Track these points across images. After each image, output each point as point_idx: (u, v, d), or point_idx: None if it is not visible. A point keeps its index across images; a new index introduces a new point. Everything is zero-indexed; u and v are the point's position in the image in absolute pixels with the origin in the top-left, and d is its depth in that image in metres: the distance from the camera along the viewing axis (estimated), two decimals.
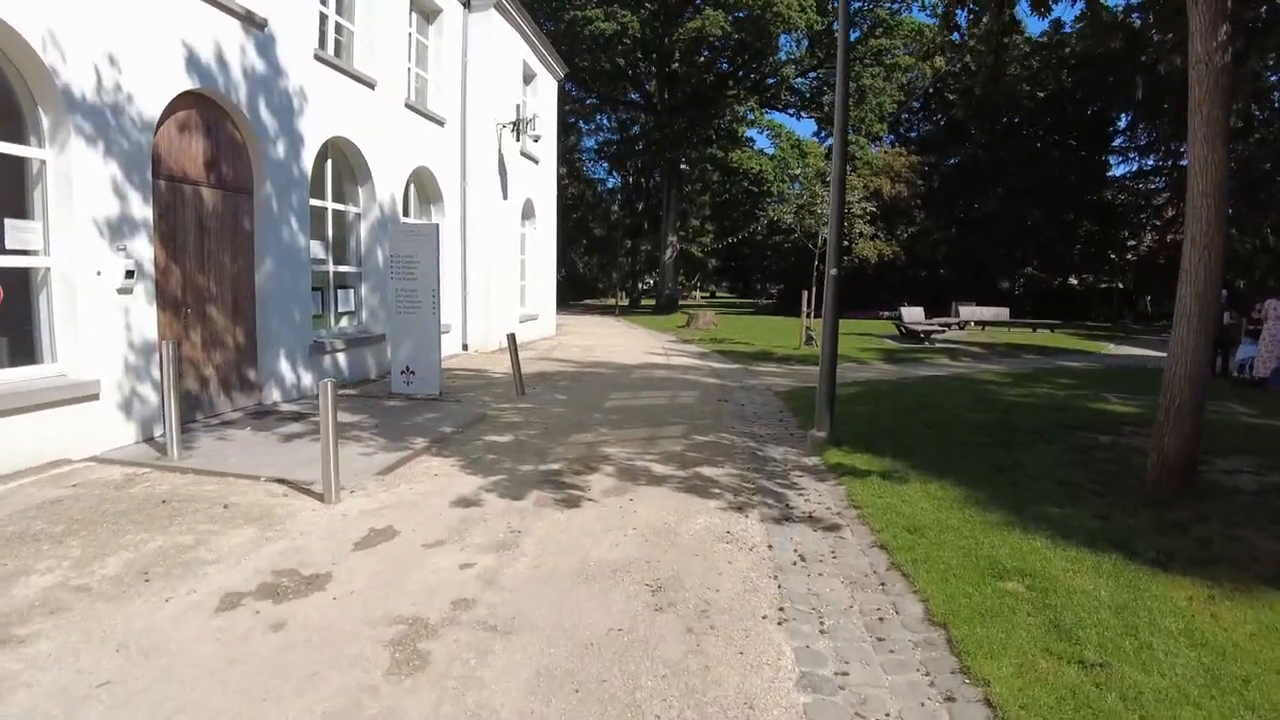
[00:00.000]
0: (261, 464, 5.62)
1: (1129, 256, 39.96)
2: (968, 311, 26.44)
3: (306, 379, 8.94)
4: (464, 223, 13.05)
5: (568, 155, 44.75)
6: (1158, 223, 41.03)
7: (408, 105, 11.24)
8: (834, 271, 6.39)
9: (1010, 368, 14.18)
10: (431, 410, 8.06)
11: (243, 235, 8.08)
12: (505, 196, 13.96)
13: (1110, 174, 39.81)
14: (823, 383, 6.54)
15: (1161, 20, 30.49)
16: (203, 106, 7.39)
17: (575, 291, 51.13)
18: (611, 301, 40.95)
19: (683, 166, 36.71)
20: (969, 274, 35.01)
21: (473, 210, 13.12)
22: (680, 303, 39.48)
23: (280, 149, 8.37)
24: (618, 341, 16.87)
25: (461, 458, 6.00)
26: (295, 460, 5.81)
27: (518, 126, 13.30)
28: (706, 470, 5.72)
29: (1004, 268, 34.32)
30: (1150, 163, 39.93)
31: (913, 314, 22.36)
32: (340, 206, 10.07)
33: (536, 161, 15.80)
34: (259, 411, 7.94)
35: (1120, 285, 40.54)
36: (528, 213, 15.79)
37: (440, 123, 12.30)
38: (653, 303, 38.94)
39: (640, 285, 49.22)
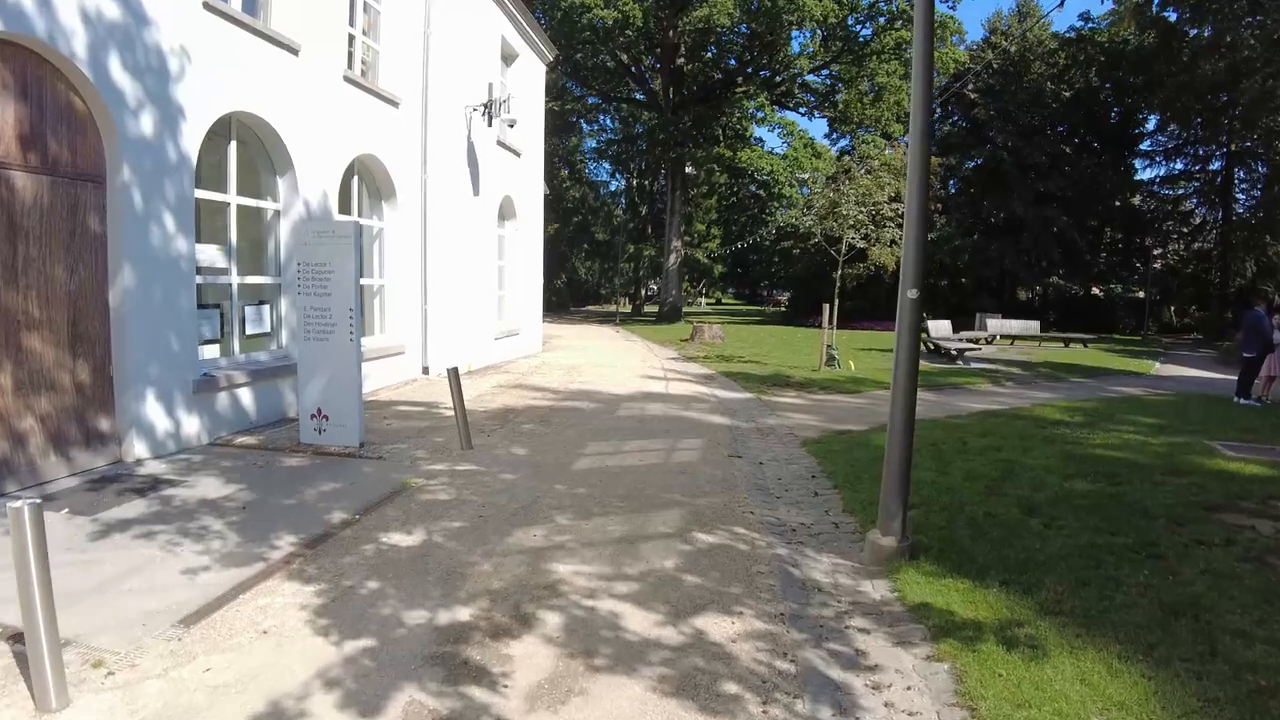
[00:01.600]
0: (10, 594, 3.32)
1: (1154, 265, 37.46)
2: (995, 324, 24.07)
3: (191, 425, 6.72)
4: (424, 222, 10.82)
5: (569, 157, 42.66)
6: (1185, 230, 38.67)
7: (348, 79, 9.02)
8: (914, 294, 4.12)
9: (1067, 397, 11.87)
10: (336, 475, 5.81)
11: (88, 238, 5.86)
12: (477, 192, 11.75)
13: (1136, 178, 37.46)
14: (892, 462, 4.26)
15: (1199, 13, 28.11)
16: (12, 59, 5.19)
17: (577, 298, 48.95)
18: (614, 309, 38.70)
19: (688, 170, 34.53)
20: (990, 283, 32.62)
21: (435, 208, 10.90)
22: (684, 310, 37.21)
23: (147, 124, 6.15)
24: (611, 360, 14.60)
25: (328, 586, 3.74)
26: (87, 583, 3.59)
27: (489, 109, 11.07)
28: (713, 625, 3.43)
29: (1029, 276, 31.90)
30: (1179, 166, 37.61)
31: (940, 327, 20.03)
32: (250, 201, 7.85)
33: (518, 154, 13.57)
34: (107, 477, 5.71)
35: (1141, 295, 38.09)
36: (506, 212, 13.56)
37: (393, 103, 10.08)
38: (656, 310, 36.67)
39: (644, 292, 46.98)
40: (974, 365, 16.34)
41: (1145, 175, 38.10)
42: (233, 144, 7.50)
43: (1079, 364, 17.56)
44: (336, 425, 6.78)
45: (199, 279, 7.14)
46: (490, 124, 11.28)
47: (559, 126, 37.13)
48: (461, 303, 11.55)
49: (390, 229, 10.39)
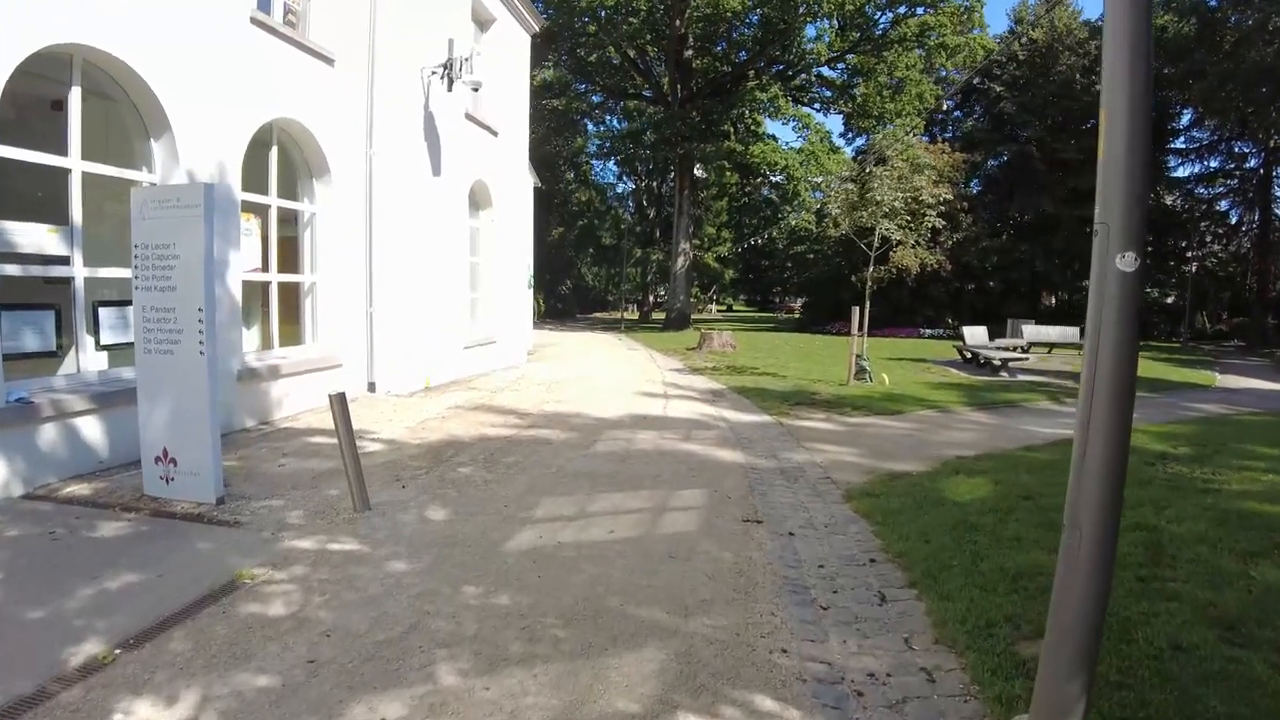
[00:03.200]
0: None
1: (1187, 268, 34.97)
2: (1031, 332, 21.74)
3: None
4: (370, 207, 8.80)
5: (574, 159, 40.73)
6: (1220, 230, 36.15)
7: (258, 22, 7.02)
8: (1131, 261, 2.00)
9: (1147, 419, 9.64)
10: (153, 556, 3.76)
11: None
12: (438, 173, 9.70)
13: (1170, 176, 35.02)
14: (1071, 597, 2.11)
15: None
16: None
17: (583, 305, 46.96)
18: (623, 316, 36.61)
19: (698, 173, 32.48)
20: (1019, 287, 30.28)
21: (385, 189, 8.87)
22: (693, 318, 35.08)
23: None
24: (604, 372, 12.47)
25: None
26: None
27: (448, 70, 9.03)
28: None
29: (1062, 280, 29.50)
30: (1215, 163, 35.13)
31: (975, 335, 17.81)
32: (107, 170, 5.83)
33: (494, 133, 11.52)
34: None
35: (1170, 300, 35.56)
36: (480, 200, 11.51)
37: (326, 59, 8.06)
38: (663, 318, 34.55)
39: (651, 298, 44.88)
40: (1020, 378, 14.11)
41: (1179, 174, 35.58)
42: (75, 91, 5.49)
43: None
44: (187, 474, 4.72)
45: (9, 269, 5.14)
46: (450, 88, 9.24)
47: (563, 125, 35.21)
48: (420, 305, 9.50)
49: (324, 214, 8.37)
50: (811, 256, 36.12)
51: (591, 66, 31.67)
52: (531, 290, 15.93)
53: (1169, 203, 35.13)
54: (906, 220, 11.60)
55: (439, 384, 9.80)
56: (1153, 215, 33.68)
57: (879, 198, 11.12)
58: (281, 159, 7.95)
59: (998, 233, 29.30)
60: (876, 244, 11.64)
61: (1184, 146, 35.07)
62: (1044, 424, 8.89)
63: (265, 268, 7.74)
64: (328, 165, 8.24)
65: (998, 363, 14.50)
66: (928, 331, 27.29)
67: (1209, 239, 36.03)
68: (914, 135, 28.58)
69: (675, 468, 5.74)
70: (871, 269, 11.82)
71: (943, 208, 11.50)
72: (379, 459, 5.86)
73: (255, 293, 7.96)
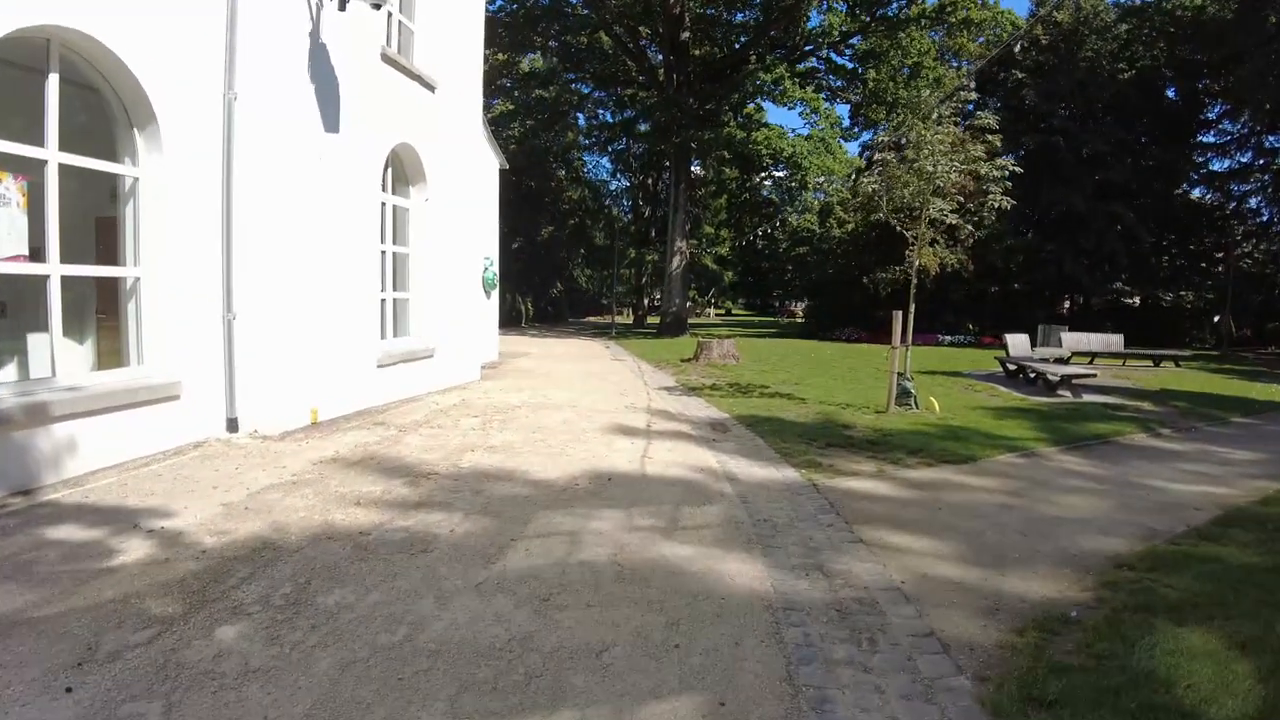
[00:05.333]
0: None
1: (1219, 269, 32.27)
2: (1070, 340, 19.03)
3: None
4: (228, 172, 6.10)
5: (565, 154, 38.09)
6: (1252, 229, 33.50)
7: None
8: None
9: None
10: None
11: None
12: (335, 128, 6.99)
13: (1202, 171, 32.41)
14: None
15: None
16: None
17: (576, 309, 44.30)
18: (613, 320, 33.88)
19: (695, 170, 29.83)
20: (1044, 289, 27.60)
21: (249, 149, 6.17)
22: (691, 322, 32.38)
23: None
24: (572, 396, 9.72)
25: None
26: None
27: None
28: None
29: (1091, 282, 26.75)
30: (1246, 158, 32.49)
31: (1019, 345, 15.13)
32: None
33: (431, 87, 8.80)
34: None
35: (1190, 301, 32.88)
36: (408, 171, 8.77)
37: None
38: (658, 322, 31.82)
39: (647, 301, 42.21)
40: (1085, 398, 11.42)
41: (1209, 169, 32.91)
42: None
43: (1206, 391, 12.61)
44: None
45: None
46: (343, 6, 6.57)
47: (553, 118, 32.57)
48: (305, 310, 6.80)
49: (152, 181, 5.68)
50: (814, 259, 33.43)
51: (582, 53, 29.05)
52: (495, 290, 13.26)
53: (1201, 199, 32.57)
54: (960, 201, 8.91)
55: (334, 416, 7.09)
56: (1180, 210, 31.07)
57: (929, 168, 8.43)
58: (76, 102, 5.28)
59: (1024, 230, 26.61)
60: (924, 227, 8.92)
61: (1214, 141, 32.50)
62: (1175, 476, 6.20)
63: (41, 255, 5.06)
64: (153, 111, 5.54)
65: (1053, 379, 11.78)
66: (947, 339, 24.60)
67: (1238, 237, 33.43)
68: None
69: (640, 624, 3.01)
70: (917, 261, 9.11)
71: (1008, 183, 8.78)
72: (110, 587, 3.16)
73: (29, 293, 5.30)
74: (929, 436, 7.36)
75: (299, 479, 4.97)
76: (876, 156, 9.72)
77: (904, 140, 9.05)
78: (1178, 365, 18.73)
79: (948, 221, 8.79)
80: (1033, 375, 12.99)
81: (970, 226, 8.83)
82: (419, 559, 3.59)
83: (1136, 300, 31.88)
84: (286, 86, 6.51)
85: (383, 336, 8.29)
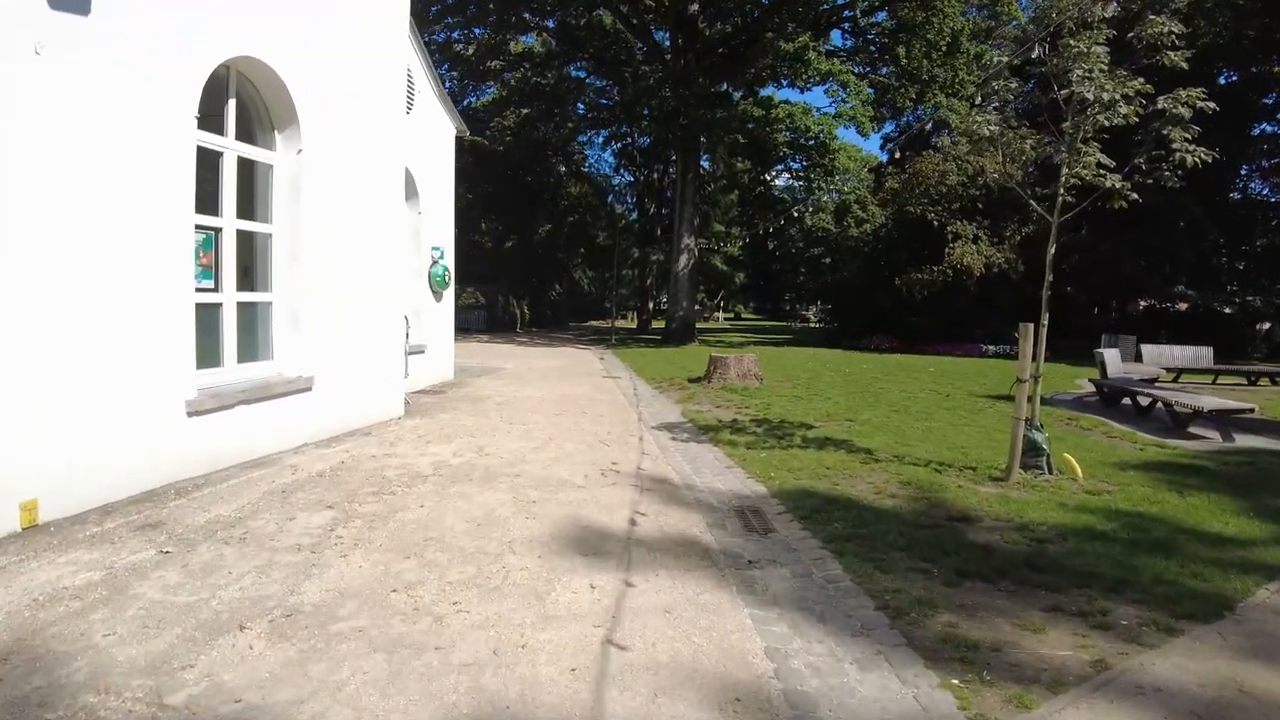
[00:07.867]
0: None
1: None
2: (1153, 353, 15.74)
3: None
4: None
5: (564, 146, 35.03)
6: None
7: None
8: None
9: None
10: None
11: None
12: (85, 9, 3.90)
13: (1259, 164, 28.99)
14: None
15: None
16: None
17: (576, 312, 41.13)
18: (619, 324, 30.68)
19: (704, 165, 26.69)
20: (1100, 292, 24.27)
21: None
22: (699, 327, 29.15)
23: None
24: (527, 447, 6.51)
25: None
26: None
27: None
28: None
29: (1152, 285, 23.38)
30: None
31: (1115, 361, 11.91)
32: None
33: None
34: None
35: (1230, 308, 29.40)
36: (272, 109, 5.61)
37: None
38: (662, 327, 28.58)
39: (652, 304, 39.03)
40: (1238, 441, 8.17)
41: (1270, 160, 29.46)
42: None
43: None
44: None
45: None
46: None
47: (551, 107, 29.50)
48: (18, 322, 3.68)
49: None
50: (828, 261, 30.19)
51: (581, 33, 25.96)
52: (450, 290, 10.11)
53: (1264, 197, 29.15)
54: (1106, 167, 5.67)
55: (81, 509, 3.96)
56: (1233, 207, 27.66)
57: (1087, 94, 5.22)
58: None
59: (1074, 226, 23.31)
60: (1064, 191, 5.69)
61: (1275, 131, 29.01)
62: None
63: None
64: None
65: (1183, 410, 8.48)
66: (991, 348, 21.28)
67: None
68: (974, 103, 22.65)
69: None
70: (1053, 246, 5.88)
71: (1195, 130, 5.51)
72: None
73: None
74: (1108, 539, 4.14)
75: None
76: (998, 84, 6.47)
77: (1041, 52, 5.79)
78: (1274, 382, 15.43)
79: (1106, 183, 5.55)
80: (1146, 403, 9.75)
81: (1135, 194, 5.59)
82: None
83: (1183, 306, 28.47)
84: None
85: (218, 363, 5.14)
